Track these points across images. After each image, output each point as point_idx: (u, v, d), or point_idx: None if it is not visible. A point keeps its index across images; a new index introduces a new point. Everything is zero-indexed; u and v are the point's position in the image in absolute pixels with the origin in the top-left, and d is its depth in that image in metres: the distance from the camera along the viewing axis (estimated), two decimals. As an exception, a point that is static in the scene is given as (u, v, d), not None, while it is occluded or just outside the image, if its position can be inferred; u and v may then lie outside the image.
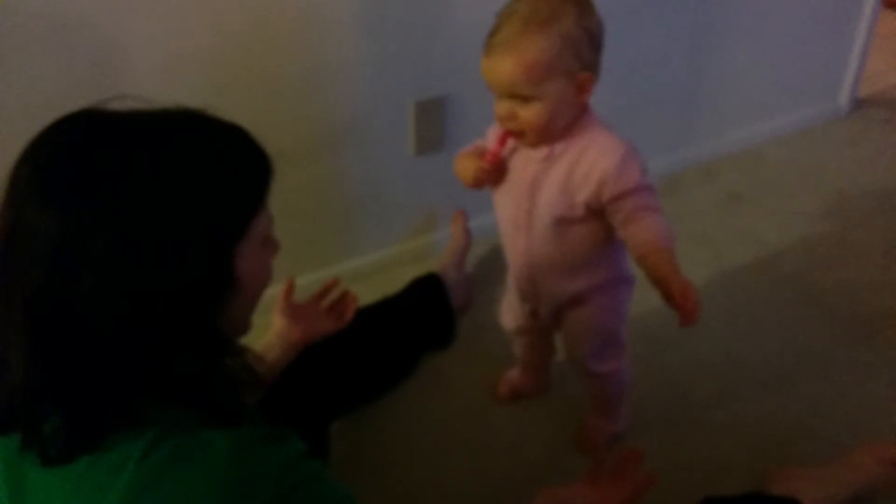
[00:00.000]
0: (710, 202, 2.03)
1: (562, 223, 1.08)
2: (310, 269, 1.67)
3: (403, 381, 1.49)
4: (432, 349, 1.56)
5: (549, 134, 1.05)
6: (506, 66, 0.99)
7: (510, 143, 1.10)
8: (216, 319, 0.70)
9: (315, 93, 1.51)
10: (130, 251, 0.63)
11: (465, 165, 1.12)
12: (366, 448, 1.39)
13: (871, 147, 2.26)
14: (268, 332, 1.14)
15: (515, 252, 1.17)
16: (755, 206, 2.02)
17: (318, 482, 0.72)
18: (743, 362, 1.54)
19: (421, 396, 1.48)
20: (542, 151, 1.07)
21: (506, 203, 1.14)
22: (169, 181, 0.65)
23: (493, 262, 1.73)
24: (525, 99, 1.01)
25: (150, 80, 1.31)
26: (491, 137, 1.14)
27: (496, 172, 1.11)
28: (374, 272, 1.73)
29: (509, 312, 1.32)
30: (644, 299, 1.66)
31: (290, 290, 1.16)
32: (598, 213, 1.06)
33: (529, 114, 1.02)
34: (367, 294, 1.52)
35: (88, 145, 0.65)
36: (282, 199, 1.67)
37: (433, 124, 1.64)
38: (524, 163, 1.10)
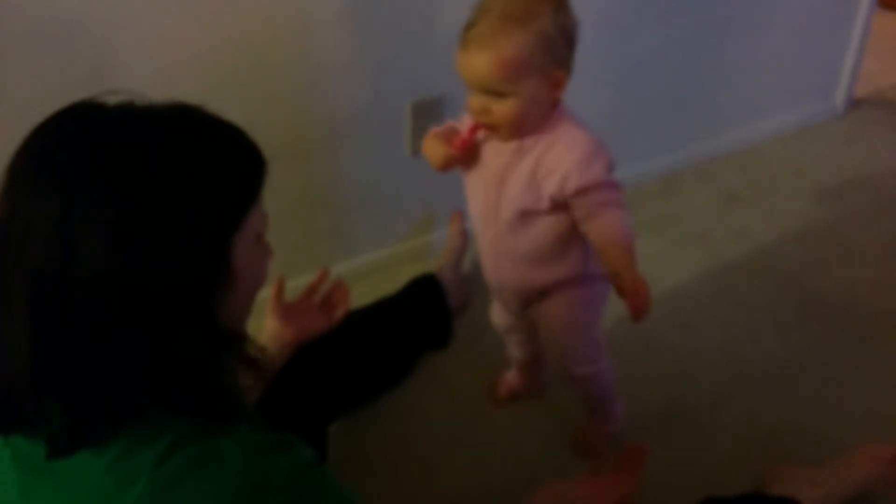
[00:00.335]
0: (708, 202, 2.04)
1: (527, 215, 1.09)
2: (307, 269, 1.65)
3: (401, 382, 1.49)
4: (430, 350, 1.56)
5: (522, 129, 1.06)
6: (481, 62, 1.00)
7: (481, 133, 1.10)
8: (214, 311, 0.70)
9: (312, 94, 1.51)
10: (126, 236, 0.63)
11: (435, 149, 1.13)
12: (364, 449, 1.38)
13: (867, 147, 2.27)
14: (260, 335, 1.13)
15: (484, 242, 1.18)
16: (752, 205, 2.02)
17: (327, 488, 0.73)
18: (741, 362, 1.55)
19: (419, 397, 1.48)
20: (512, 144, 1.08)
21: (476, 192, 1.15)
22: (164, 168, 0.65)
23: (491, 262, 1.72)
24: (499, 94, 1.02)
25: (147, 82, 1.28)
26: (465, 120, 1.14)
27: (465, 158, 1.12)
28: (372, 272, 1.73)
29: (497, 310, 1.33)
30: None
31: (280, 289, 1.14)
32: (563, 207, 1.07)
33: (503, 109, 1.03)
34: (365, 294, 1.52)
35: (85, 133, 0.66)
36: (280, 199, 1.67)
37: (430, 125, 1.62)
38: (494, 154, 1.10)
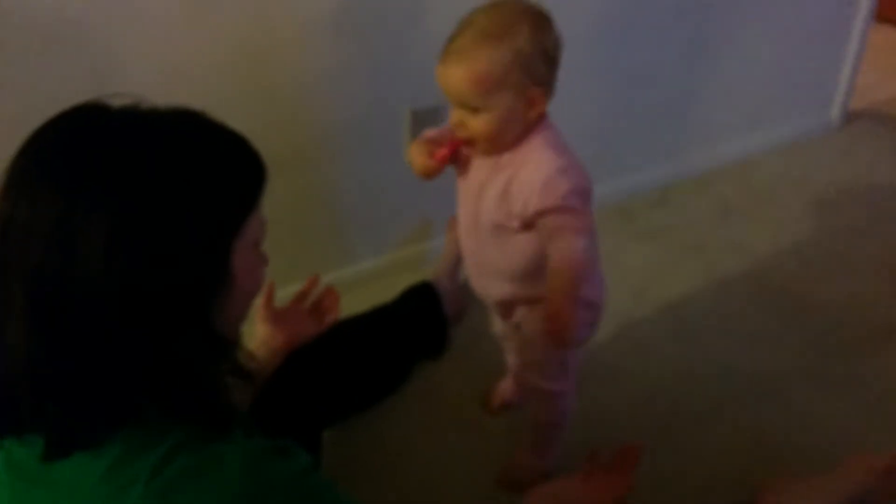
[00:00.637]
0: (703, 213, 2.05)
1: (501, 230, 1.10)
2: (304, 276, 1.66)
3: (396, 389, 1.49)
4: (425, 358, 1.56)
5: (498, 145, 1.07)
6: (456, 76, 1.01)
7: (464, 147, 1.11)
8: (211, 315, 0.70)
9: (312, 100, 1.51)
10: (126, 239, 0.63)
11: (416, 157, 1.13)
12: (359, 456, 1.38)
13: (862, 160, 2.28)
14: (251, 341, 1.13)
15: (466, 251, 1.20)
16: (748, 217, 2.03)
17: (326, 493, 0.73)
18: (735, 373, 1.55)
19: (415, 405, 1.48)
20: (490, 160, 1.09)
21: (461, 202, 1.16)
22: (166, 172, 0.66)
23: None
24: (474, 109, 1.03)
25: (149, 88, 1.29)
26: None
27: (442, 170, 1.12)
28: (369, 280, 1.74)
29: (494, 316, 1.33)
30: (634, 311, 1.68)
31: (270, 295, 1.15)
32: (530, 226, 1.07)
33: (478, 124, 1.04)
34: (361, 302, 1.53)
35: (89, 135, 0.66)
36: (278, 205, 1.67)
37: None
38: (475, 166, 1.12)
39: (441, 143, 1.13)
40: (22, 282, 0.63)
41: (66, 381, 0.65)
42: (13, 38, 1.21)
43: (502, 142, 1.06)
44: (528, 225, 1.07)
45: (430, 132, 1.18)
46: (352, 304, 1.50)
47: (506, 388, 1.46)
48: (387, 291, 1.61)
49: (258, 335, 1.13)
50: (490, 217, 1.10)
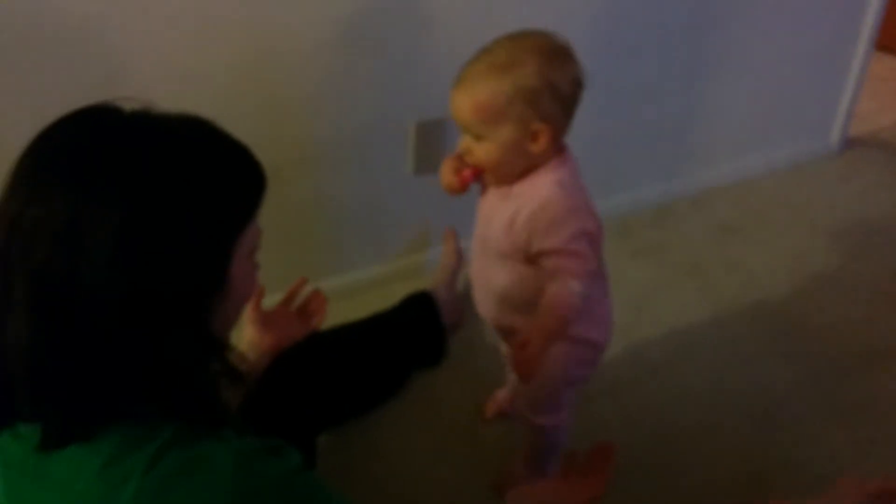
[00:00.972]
0: (701, 233, 2.06)
1: (504, 258, 1.11)
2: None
3: (393, 396, 1.50)
4: (423, 367, 1.56)
5: (502, 175, 1.07)
6: (462, 102, 1.03)
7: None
8: (207, 317, 0.71)
9: (319, 110, 1.53)
10: (133, 241, 0.64)
11: (446, 173, 1.13)
12: (355, 462, 1.39)
13: (860, 185, 2.30)
14: (240, 343, 1.13)
15: (474, 271, 1.21)
16: (745, 238, 2.04)
17: (317, 492, 0.74)
18: (730, 393, 1.56)
19: (411, 413, 1.48)
20: (503, 189, 1.09)
21: (478, 222, 1.17)
22: (175, 177, 0.67)
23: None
24: (478, 136, 1.04)
25: (159, 93, 1.31)
26: None
27: (464, 191, 1.11)
28: (368, 287, 1.74)
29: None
30: (631, 325, 1.69)
31: (259, 298, 1.16)
32: (533, 260, 1.07)
33: (481, 152, 1.05)
34: (360, 309, 1.54)
35: (99, 136, 0.67)
36: (282, 211, 1.70)
37: (433, 145, 1.66)
38: (492, 193, 1.12)
39: (464, 164, 1.12)
40: (26, 278, 0.64)
41: (64, 375, 0.66)
42: (26, 39, 1.22)
43: (506, 173, 1.07)
44: (530, 259, 1.08)
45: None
46: (351, 311, 1.51)
47: (503, 397, 1.46)
48: (386, 299, 1.62)
49: (246, 337, 1.14)
50: (496, 244, 1.11)
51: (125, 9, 1.27)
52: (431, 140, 1.66)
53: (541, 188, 1.06)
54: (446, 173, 1.12)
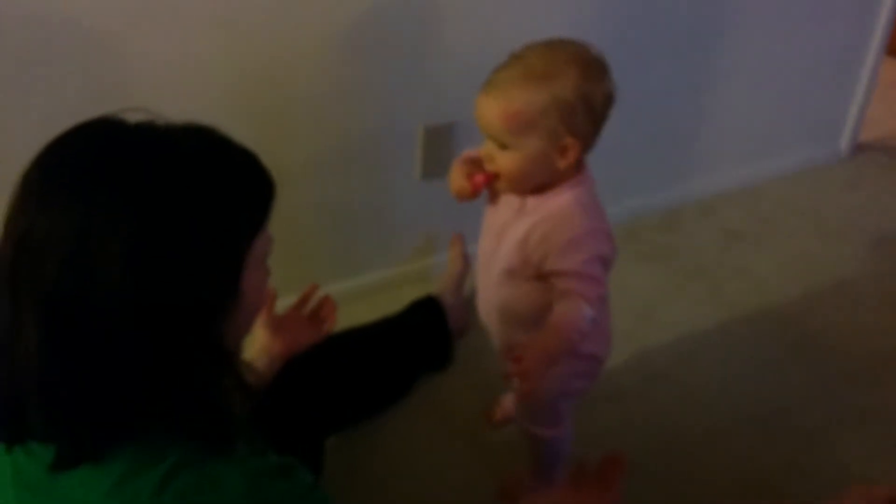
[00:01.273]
0: (709, 238, 2.05)
1: (514, 276, 1.08)
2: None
3: (399, 401, 1.50)
4: (430, 372, 1.57)
5: (521, 186, 1.05)
6: (491, 109, 1.00)
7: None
8: (220, 332, 0.70)
9: (327, 114, 1.53)
10: (144, 255, 0.63)
11: (455, 177, 1.10)
12: (362, 466, 1.39)
13: (869, 191, 2.29)
14: (251, 347, 1.14)
15: (480, 285, 1.18)
16: (753, 244, 2.04)
17: None
18: (737, 399, 1.55)
19: (418, 417, 1.49)
20: (517, 203, 1.06)
21: (485, 234, 1.14)
22: (184, 189, 0.66)
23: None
24: (503, 145, 1.01)
25: (169, 96, 1.33)
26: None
27: (475, 197, 1.10)
28: (375, 291, 1.75)
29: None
30: (639, 332, 1.69)
31: (271, 302, 1.16)
32: (543, 277, 1.05)
33: (504, 160, 1.02)
34: (367, 313, 1.54)
35: (107, 149, 0.66)
36: (290, 215, 1.70)
37: (441, 149, 1.66)
38: (504, 205, 1.09)
39: (481, 166, 1.10)
40: (36, 296, 0.63)
41: (76, 394, 0.65)
42: (34, 47, 1.23)
43: (526, 184, 1.04)
44: (540, 276, 1.06)
45: (469, 153, 1.14)
46: (358, 315, 1.52)
47: (507, 402, 1.46)
48: (393, 303, 1.62)
49: (258, 341, 1.14)
50: (507, 259, 1.08)
51: (132, 16, 1.28)
52: (439, 145, 1.67)
53: (560, 206, 1.03)
54: (457, 178, 1.09)
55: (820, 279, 1.91)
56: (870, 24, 2.22)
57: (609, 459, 0.95)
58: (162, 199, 0.64)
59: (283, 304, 1.21)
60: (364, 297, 1.72)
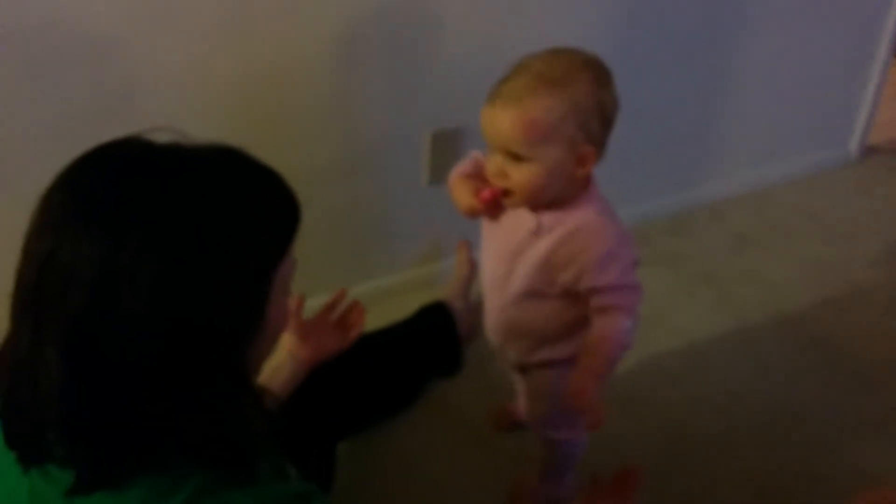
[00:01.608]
0: (718, 242, 2.05)
1: (534, 296, 1.05)
2: (319, 291, 1.68)
3: (408, 406, 1.50)
4: (438, 377, 1.56)
5: (537, 200, 1.00)
6: (505, 120, 0.94)
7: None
8: (245, 359, 0.69)
9: (335, 121, 1.54)
10: (173, 281, 0.62)
11: (462, 194, 1.06)
12: (372, 471, 1.39)
13: (879, 194, 2.28)
14: (278, 353, 1.14)
15: (489, 308, 1.14)
16: (762, 247, 2.03)
17: None
18: (748, 404, 1.55)
19: (427, 421, 1.48)
20: (531, 223, 1.02)
21: (489, 256, 1.10)
22: (213, 214, 0.64)
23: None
24: (518, 158, 0.96)
25: (178, 100, 1.34)
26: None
27: (489, 212, 1.06)
28: (382, 297, 1.75)
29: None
30: (647, 335, 1.68)
31: (299, 306, 1.15)
32: (572, 294, 1.02)
33: (520, 175, 0.96)
34: (375, 319, 1.53)
35: (130, 174, 0.64)
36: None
37: (448, 155, 1.66)
38: (514, 226, 1.04)
39: (483, 179, 1.05)
40: (59, 320, 0.61)
41: (97, 419, 0.63)
42: (43, 53, 1.23)
43: (543, 198, 0.99)
44: (568, 293, 1.02)
45: (463, 169, 1.10)
46: (368, 320, 1.51)
47: (515, 408, 1.46)
48: (401, 309, 1.62)
49: (285, 345, 1.14)
50: (526, 281, 1.04)
51: (140, 23, 1.28)
52: (447, 150, 1.67)
53: (585, 221, 1.00)
54: (465, 196, 1.05)
55: (831, 283, 1.90)
56: (878, 27, 2.22)
57: (624, 473, 0.95)
58: (191, 226, 0.63)
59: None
60: (371, 302, 1.70)
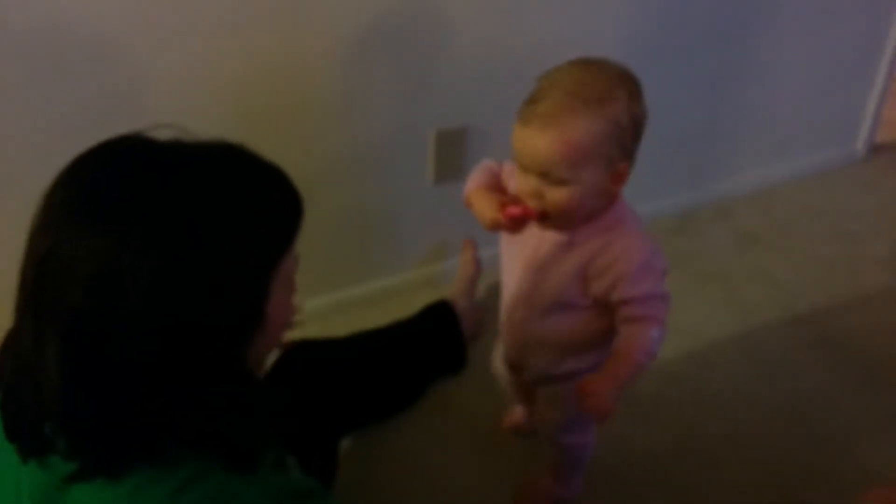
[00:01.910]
0: (725, 241, 2.04)
1: (565, 308, 1.04)
2: (325, 290, 1.68)
3: (411, 404, 1.49)
4: (443, 376, 1.56)
5: (574, 221, 0.98)
6: (544, 142, 0.91)
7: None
8: (244, 355, 0.69)
9: (340, 120, 1.53)
10: (173, 277, 0.62)
11: (485, 208, 1.02)
12: (376, 472, 1.39)
13: (887, 192, 2.27)
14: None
15: (511, 322, 1.12)
16: (769, 246, 2.02)
17: None
18: (756, 403, 1.54)
19: (433, 421, 1.48)
20: (561, 237, 1.00)
21: (511, 270, 1.08)
22: (215, 211, 0.65)
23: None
24: (556, 180, 0.93)
25: (184, 99, 1.34)
26: (507, 170, 1.08)
27: (513, 229, 1.03)
28: (388, 296, 1.75)
29: (500, 362, 1.26)
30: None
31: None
32: (603, 304, 1.02)
33: (558, 197, 0.94)
34: (380, 318, 1.54)
35: (131, 170, 0.64)
36: (305, 220, 1.69)
37: (454, 154, 1.67)
38: (538, 240, 1.03)
39: (503, 191, 1.04)
40: (59, 318, 0.62)
41: (97, 412, 0.64)
42: (49, 49, 1.24)
43: (578, 218, 0.98)
44: (599, 303, 1.01)
45: (482, 176, 1.08)
46: (371, 320, 1.52)
47: (517, 413, 1.44)
48: (405, 308, 1.62)
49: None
50: (556, 295, 1.03)
51: (145, 23, 1.28)
52: (452, 149, 1.67)
53: (620, 235, 0.99)
54: (489, 209, 1.01)
55: (838, 281, 1.89)
56: (885, 24, 2.21)
57: None
58: (191, 222, 0.63)
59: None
60: (377, 301, 1.72)
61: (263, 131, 1.45)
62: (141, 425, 0.65)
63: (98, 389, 0.63)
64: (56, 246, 0.62)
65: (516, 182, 0.99)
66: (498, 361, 1.28)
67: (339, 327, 1.47)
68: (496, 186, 1.07)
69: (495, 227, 1.01)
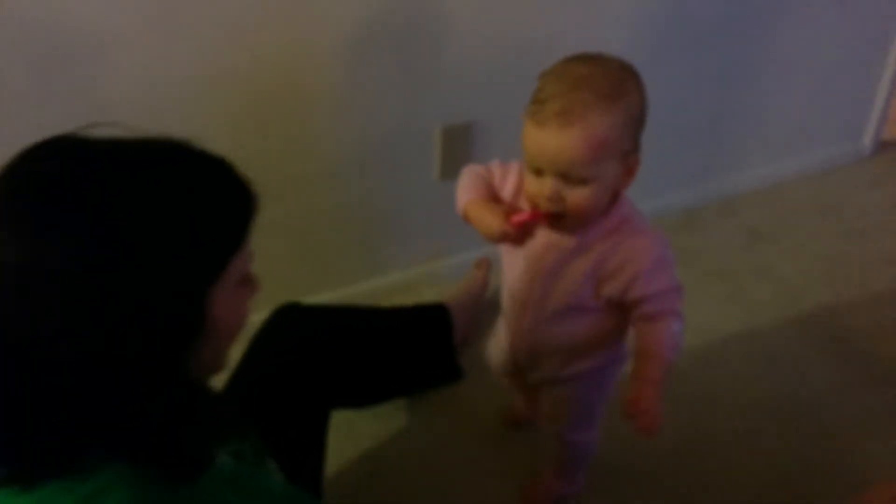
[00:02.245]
0: (731, 237, 2.03)
1: (576, 310, 1.03)
2: (330, 287, 1.68)
3: (391, 399, 1.45)
4: (437, 386, 1.52)
5: (589, 220, 0.95)
6: (565, 142, 0.87)
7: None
8: (184, 363, 0.66)
9: (346, 115, 1.53)
10: (99, 286, 0.59)
11: (487, 219, 0.99)
12: (382, 469, 1.39)
13: (893, 189, 2.26)
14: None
15: (518, 328, 1.10)
16: (776, 243, 2.02)
17: None
18: (761, 400, 1.54)
19: (439, 420, 1.48)
20: (569, 242, 0.98)
21: (517, 277, 1.06)
22: (145, 214, 0.61)
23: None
24: (576, 180, 0.90)
25: (188, 98, 1.34)
26: (498, 175, 1.05)
27: (521, 238, 1.00)
28: (393, 292, 1.75)
29: (495, 356, 1.25)
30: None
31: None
32: (615, 305, 1.00)
33: (578, 197, 0.91)
34: (386, 315, 1.54)
35: (61, 173, 0.62)
36: (307, 216, 1.69)
37: (459, 150, 1.66)
38: (544, 246, 1.00)
39: (499, 201, 1.02)
40: None
41: (21, 419, 0.62)
42: (41, 52, 1.23)
43: (593, 217, 0.95)
44: (612, 304, 1.00)
45: (476, 188, 1.04)
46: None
47: (519, 406, 1.44)
48: (412, 303, 1.62)
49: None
50: (567, 299, 1.01)
51: (145, 21, 1.28)
52: (458, 145, 1.66)
53: (630, 230, 0.97)
54: (496, 221, 0.97)
55: (844, 279, 1.88)
56: (892, 21, 2.19)
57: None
58: (120, 225, 0.60)
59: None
60: (382, 297, 1.72)
61: (269, 128, 1.45)
62: (62, 432, 0.62)
63: (19, 395, 0.61)
64: None
65: (527, 186, 0.95)
66: (494, 359, 1.25)
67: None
68: (491, 195, 1.04)
69: (504, 239, 0.98)
